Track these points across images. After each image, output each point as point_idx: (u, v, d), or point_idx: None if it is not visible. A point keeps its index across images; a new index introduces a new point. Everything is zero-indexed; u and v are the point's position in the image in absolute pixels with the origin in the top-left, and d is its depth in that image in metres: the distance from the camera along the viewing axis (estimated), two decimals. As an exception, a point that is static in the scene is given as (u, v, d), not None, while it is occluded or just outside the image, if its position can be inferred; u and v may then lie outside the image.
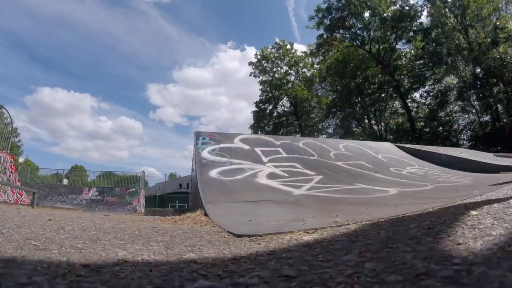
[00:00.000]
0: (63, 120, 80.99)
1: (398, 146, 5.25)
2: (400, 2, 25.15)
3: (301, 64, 30.36)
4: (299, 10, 54.76)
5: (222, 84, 71.01)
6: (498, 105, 22.91)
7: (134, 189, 17.38)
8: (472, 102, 24.68)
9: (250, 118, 33.11)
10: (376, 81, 26.20)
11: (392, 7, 25.63)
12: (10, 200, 9.20)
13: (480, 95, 23.36)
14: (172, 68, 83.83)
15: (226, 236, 1.19)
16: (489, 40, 21.43)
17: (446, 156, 4.78)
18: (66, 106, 78.59)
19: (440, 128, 25.83)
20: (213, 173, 2.87)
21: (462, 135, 26.02)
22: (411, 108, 26.85)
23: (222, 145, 3.50)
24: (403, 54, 26.80)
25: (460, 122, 26.19)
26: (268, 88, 30.55)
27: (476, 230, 0.81)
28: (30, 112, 72.92)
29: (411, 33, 25.33)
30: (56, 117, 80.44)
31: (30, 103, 75.03)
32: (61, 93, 76.56)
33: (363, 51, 26.24)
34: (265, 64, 30.47)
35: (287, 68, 30.26)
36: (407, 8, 24.62)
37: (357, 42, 25.75)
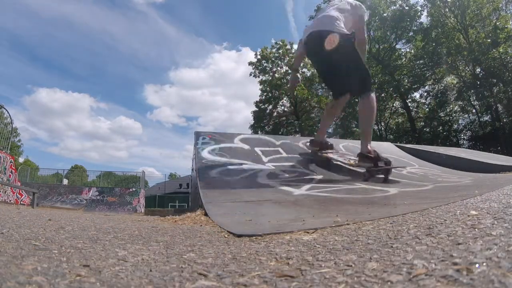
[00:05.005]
0: (62, 120, 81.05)
1: (398, 146, 5.24)
2: (400, 2, 25.16)
3: (301, 64, 30.33)
4: (298, 11, 54.71)
5: (219, 85, 71.03)
6: (498, 105, 22.92)
7: (134, 189, 17.40)
8: (472, 102, 24.70)
9: (248, 119, 33.17)
10: (376, 81, 26.20)
11: (392, 7, 25.62)
12: (10, 200, 9.20)
13: (480, 95, 23.36)
14: (169, 68, 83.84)
15: (226, 236, 1.18)
16: (489, 40, 21.43)
17: (446, 156, 4.77)
18: (65, 106, 78.62)
19: (440, 128, 25.86)
20: (213, 173, 2.87)
21: (462, 135, 26.07)
22: (411, 108, 26.86)
23: (222, 145, 3.50)
24: (403, 54, 26.81)
25: (460, 122, 26.25)
26: (268, 88, 30.53)
27: (476, 230, 0.81)
28: (29, 112, 72.94)
29: (411, 33, 25.35)
30: (54, 117, 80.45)
31: (28, 104, 75.16)
32: (60, 93, 76.60)
33: (363, 51, 26.16)
34: (265, 64, 30.45)
35: (287, 68, 30.22)
36: (407, 8, 24.62)
37: (357, 42, 25.69)
